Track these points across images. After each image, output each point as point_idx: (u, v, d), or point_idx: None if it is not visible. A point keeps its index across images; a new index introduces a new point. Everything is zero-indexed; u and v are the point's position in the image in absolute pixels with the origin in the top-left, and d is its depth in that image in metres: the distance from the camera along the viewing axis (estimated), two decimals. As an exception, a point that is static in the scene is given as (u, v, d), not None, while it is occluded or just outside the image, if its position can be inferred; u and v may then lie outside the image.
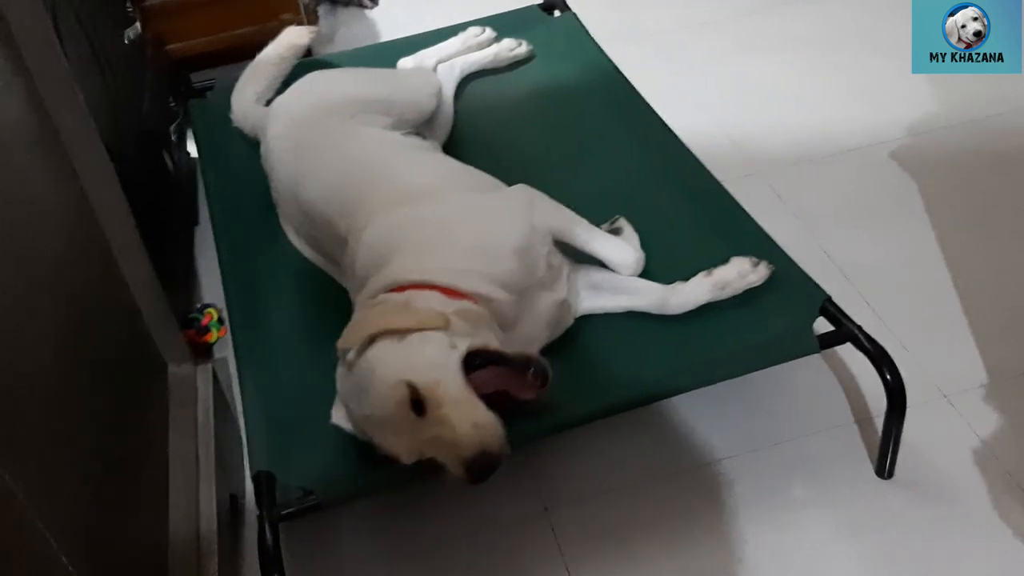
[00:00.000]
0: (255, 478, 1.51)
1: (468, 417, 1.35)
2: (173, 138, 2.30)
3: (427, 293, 1.48)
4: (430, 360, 1.38)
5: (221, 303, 2.02)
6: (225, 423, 1.72)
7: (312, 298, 1.84)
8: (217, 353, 2.03)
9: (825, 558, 1.60)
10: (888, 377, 1.59)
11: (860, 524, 1.64)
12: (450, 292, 1.49)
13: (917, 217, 2.21)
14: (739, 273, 1.68)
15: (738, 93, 2.68)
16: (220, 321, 2.04)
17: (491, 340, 1.44)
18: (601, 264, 1.73)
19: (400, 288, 1.51)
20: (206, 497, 1.53)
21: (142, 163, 1.99)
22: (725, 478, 1.73)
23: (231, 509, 1.65)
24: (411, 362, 1.37)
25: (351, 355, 1.41)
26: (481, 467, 1.34)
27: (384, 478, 1.53)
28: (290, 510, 1.46)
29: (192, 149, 2.43)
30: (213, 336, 2.03)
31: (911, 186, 2.29)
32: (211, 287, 2.18)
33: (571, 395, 1.54)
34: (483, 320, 1.48)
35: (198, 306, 2.07)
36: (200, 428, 1.63)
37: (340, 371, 1.47)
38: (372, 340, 1.40)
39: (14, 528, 0.92)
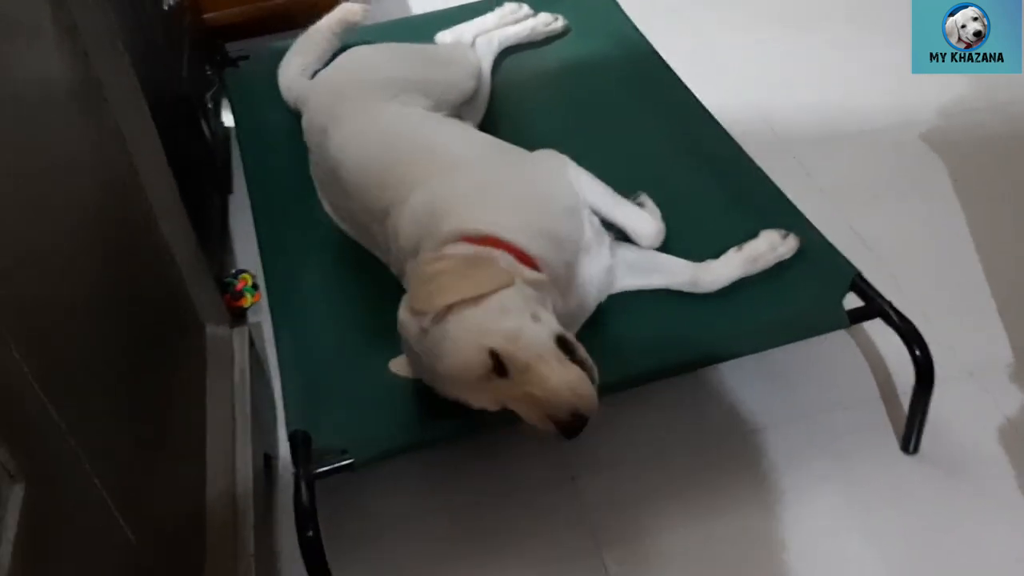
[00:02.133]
0: (291, 437, 1.54)
1: (563, 380, 1.36)
2: (209, 106, 2.32)
3: (495, 252, 1.49)
4: (513, 327, 1.38)
5: (254, 269, 2.05)
6: (260, 385, 1.75)
7: (346, 261, 1.87)
8: (251, 318, 2.06)
9: (849, 531, 1.62)
10: (917, 353, 1.60)
11: (884, 499, 1.66)
12: (515, 251, 1.50)
13: (945, 198, 2.21)
14: (770, 245, 1.70)
15: (768, 70, 2.68)
16: (254, 287, 2.07)
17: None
18: (625, 237, 1.75)
19: (465, 239, 1.51)
20: (242, 455, 1.55)
21: (181, 129, 2.01)
22: (750, 451, 1.75)
23: (265, 469, 1.69)
24: (491, 328, 1.38)
25: (426, 321, 1.40)
26: (574, 426, 1.36)
27: (417, 439, 1.57)
28: (325, 468, 1.49)
29: (226, 118, 2.47)
30: (247, 301, 2.05)
31: (940, 166, 2.29)
32: (244, 254, 2.21)
33: (601, 365, 1.55)
34: (548, 292, 1.50)
35: (233, 271, 2.09)
36: (236, 389, 1.65)
37: (409, 326, 1.45)
38: (448, 309, 1.40)
39: (65, 471, 0.95)
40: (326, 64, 2.18)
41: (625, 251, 1.73)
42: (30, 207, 1.04)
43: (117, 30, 1.42)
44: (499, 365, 1.37)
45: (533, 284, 1.46)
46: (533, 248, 1.53)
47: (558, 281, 1.55)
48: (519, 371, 1.37)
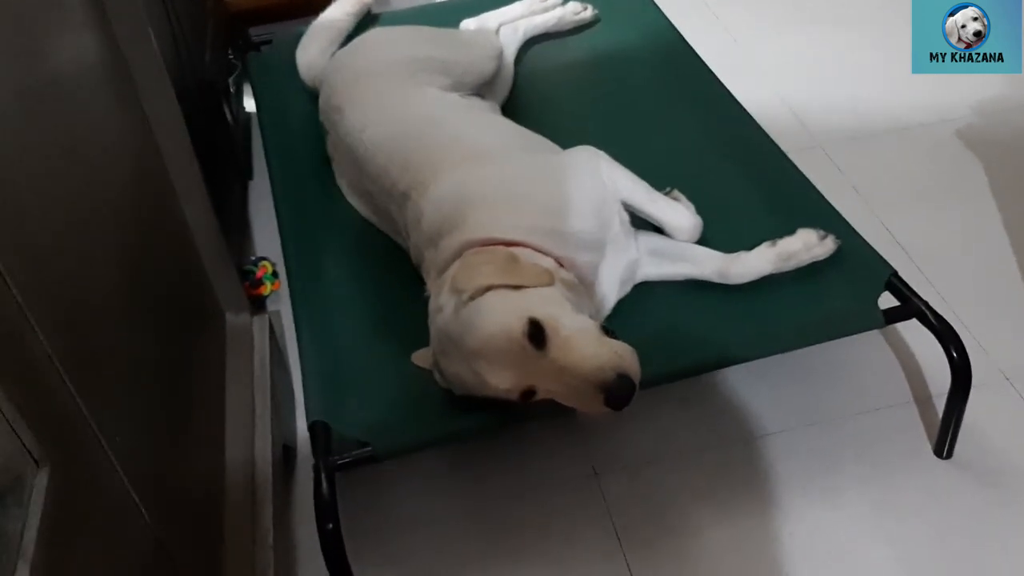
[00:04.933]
0: (311, 428, 1.51)
1: (603, 345, 1.35)
2: (231, 90, 2.29)
3: (530, 251, 1.49)
4: (554, 311, 1.38)
5: (274, 257, 2.03)
6: (280, 374, 1.73)
7: (369, 250, 1.84)
8: (270, 306, 2.04)
9: (879, 536, 1.59)
10: (954, 355, 1.56)
11: (916, 504, 1.62)
12: (550, 256, 1.50)
13: (981, 197, 2.17)
14: (805, 245, 1.66)
15: (800, 64, 2.65)
16: (274, 274, 2.04)
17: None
18: (659, 230, 1.72)
19: (490, 244, 1.50)
20: (261, 445, 1.54)
21: (203, 114, 1.98)
22: (778, 451, 1.71)
23: (284, 459, 1.66)
24: (533, 306, 1.37)
25: (465, 297, 1.40)
26: (621, 390, 1.32)
27: (440, 433, 1.54)
28: (346, 460, 1.47)
29: (248, 103, 2.44)
30: (267, 289, 2.03)
31: (976, 166, 2.25)
32: (264, 241, 2.18)
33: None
34: (582, 296, 1.49)
35: (252, 259, 2.07)
36: (256, 377, 1.63)
37: (443, 310, 1.45)
38: (486, 289, 1.40)
39: (88, 456, 0.93)
40: (343, 45, 2.16)
41: (651, 239, 1.71)
42: (64, 193, 1.03)
43: (144, 14, 1.40)
44: (536, 334, 1.35)
45: (568, 286, 1.46)
46: (559, 250, 1.52)
47: (584, 279, 1.54)
48: (560, 341, 1.35)
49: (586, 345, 1.35)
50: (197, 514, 1.32)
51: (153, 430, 1.20)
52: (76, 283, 1.02)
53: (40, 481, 0.78)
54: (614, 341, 1.38)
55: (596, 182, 1.64)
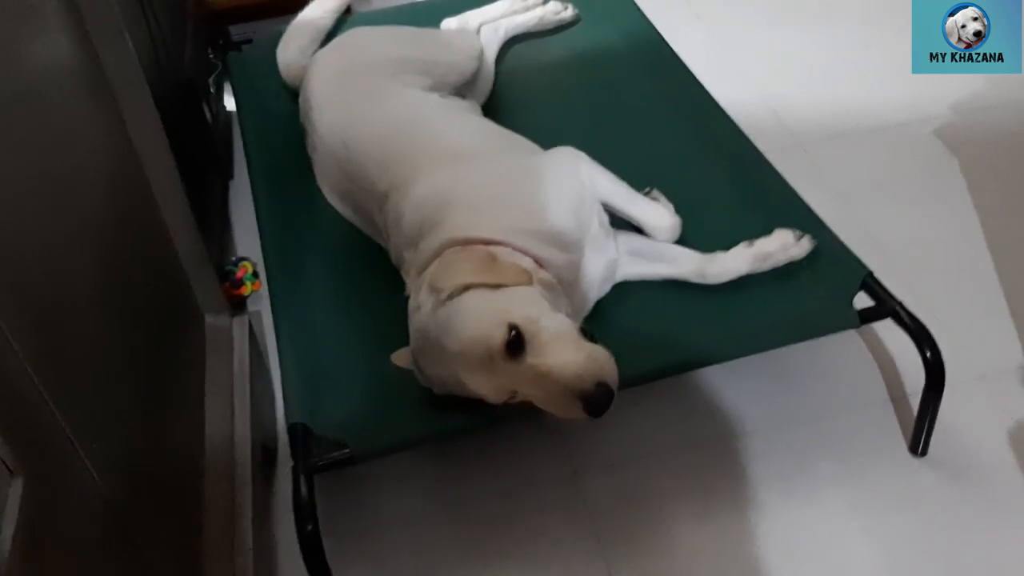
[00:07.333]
0: (290, 429, 1.52)
1: (581, 351, 1.35)
2: (211, 90, 2.29)
3: (509, 250, 1.49)
4: (533, 313, 1.38)
5: (255, 257, 2.02)
6: (259, 375, 1.73)
7: (349, 251, 1.84)
8: (250, 306, 2.03)
9: (856, 533, 1.60)
10: (928, 355, 1.58)
11: (892, 501, 1.64)
12: (529, 255, 1.51)
13: (959, 196, 2.19)
14: (781, 246, 1.68)
15: (780, 64, 2.66)
16: (254, 275, 2.04)
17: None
18: (638, 230, 1.73)
19: (469, 243, 1.50)
20: (240, 447, 1.54)
21: (182, 113, 1.98)
22: (755, 451, 1.72)
23: (263, 460, 1.66)
24: (512, 307, 1.37)
25: (444, 295, 1.40)
26: (600, 398, 1.33)
27: (419, 434, 1.54)
28: (325, 462, 1.47)
29: (229, 102, 2.43)
30: (247, 289, 2.02)
31: (953, 164, 2.27)
32: (245, 241, 2.18)
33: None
34: (560, 297, 1.49)
35: (233, 259, 2.06)
36: (236, 380, 1.63)
37: (421, 309, 1.45)
38: (465, 288, 1.40)
39: (64, 464, 0.93)
40: (324, 44, 2.15)
41: (630, 239, 1.72)
42: (39, 198, 1.03)
43: (119, 12, 1.39)
44: (515, 341, 1.34)
45: (546, 286, 1.46)
46: (538, 250, 1.53)
47: (562, 280, 1.54)
48: (539, 346, 1.35)
49: (564, 351, 1.35)
50: (176, 517, 1.32)
51: (131, 434, 1.20)
52: (51, 287, 1.02)
53: (15, 489, 0.78)
54: (592, 345, 1.38)
55: (576, 182, 1.65)
